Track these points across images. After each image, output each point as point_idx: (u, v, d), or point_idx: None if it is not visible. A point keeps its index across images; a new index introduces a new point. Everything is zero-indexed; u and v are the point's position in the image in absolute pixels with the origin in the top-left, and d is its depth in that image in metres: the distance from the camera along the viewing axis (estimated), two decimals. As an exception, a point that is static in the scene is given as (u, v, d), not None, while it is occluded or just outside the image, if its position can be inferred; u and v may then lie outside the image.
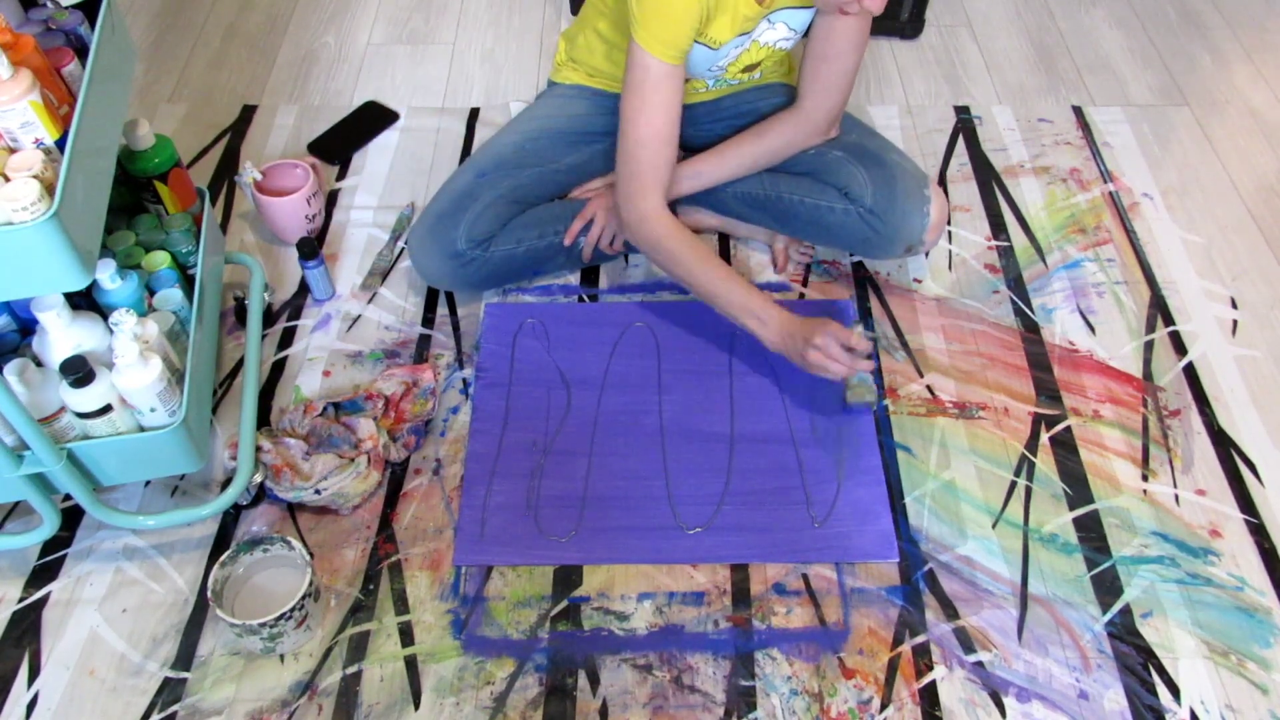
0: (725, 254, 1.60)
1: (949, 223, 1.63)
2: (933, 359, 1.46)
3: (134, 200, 1.36)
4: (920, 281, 1.56)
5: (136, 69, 1.96)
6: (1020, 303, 1.53)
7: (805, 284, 1.56)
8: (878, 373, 1.43)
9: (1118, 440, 1.37)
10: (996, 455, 1.35)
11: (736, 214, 1.56)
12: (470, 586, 1.22)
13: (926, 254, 1.58)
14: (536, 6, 2.15)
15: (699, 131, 1.55)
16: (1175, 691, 1.13)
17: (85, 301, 1.17)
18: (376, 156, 1.78)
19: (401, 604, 1.20)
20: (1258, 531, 1.27)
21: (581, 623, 1.19)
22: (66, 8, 1.16)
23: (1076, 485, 1.32)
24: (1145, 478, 1.33)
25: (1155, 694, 1.13)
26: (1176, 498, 1.31)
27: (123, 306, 1.13)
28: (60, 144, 1.00)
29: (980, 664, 1.15)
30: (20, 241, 0.90)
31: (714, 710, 1.12)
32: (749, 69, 1.41)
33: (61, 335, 1.10)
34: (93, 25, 1.11)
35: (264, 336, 1.47)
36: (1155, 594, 1.21)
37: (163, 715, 1.11)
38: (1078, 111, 1.88)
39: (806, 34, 1.37)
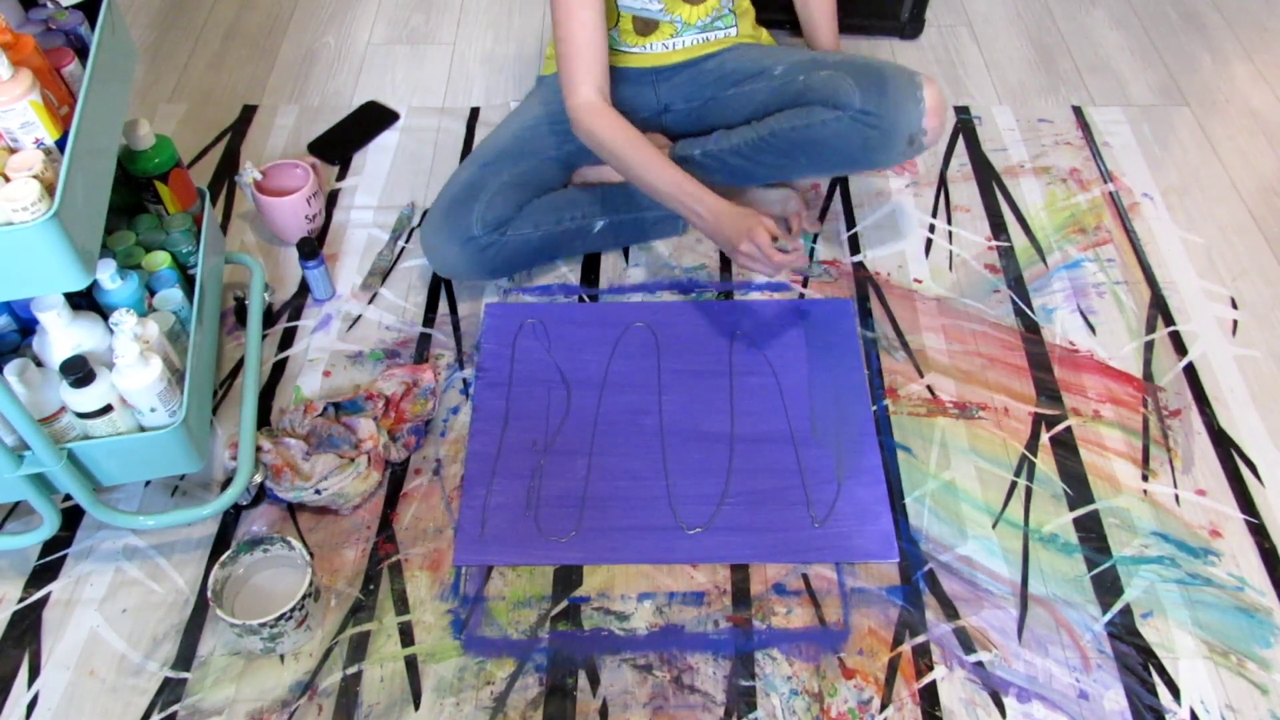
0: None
1: (947, 109, 1.59)
2: (933, 359, 1.46)
3: (134, 200, 1.36)
4: (920, 281, 1.56)
5: (136, 69, 1.96)
6: (1020, 303, 1.53)
7: (805, 284, 1.56)
8: (877, 373, 1.43)
9: (1118, 440, 1.37)
10: (997, 455, 1.35)
11: (738, 174, 1.53)
12: (470, 586, 1.22)
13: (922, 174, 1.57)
14: (536, 6, 2.15)
15: (692, 106, 1.55)
16: (1175, 691, 1.13)
17: (85, 301, 1.17)
18: (376, 156, 1.78)
19: (401, 604, 1.20)
20: (1258, 531, 1.27)
21: (581, 623, 1.19)
22: (66, 8, 1.16)
23: (1077, 485, 1.32)
24: (1145, 478, 1.33)
25: (1155, 694, 1.13)
26: (1177, 498, 1.31)
27: (123, 306, 1.13)
28: (60, 144, 1.00)
29: (980, 664, 1.15)
30: (20, 241, 0.90)
31: (714, 710, 1.12)
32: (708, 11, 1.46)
33: (61, 335, 1.10)
34: (93, 25, 1.11)
35: (264, 337, 1.47)
36: (1155, 594, 1.21)
37: (163, 715, 1.11)
38: (1078, 111, 1.88)
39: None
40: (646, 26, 1.46)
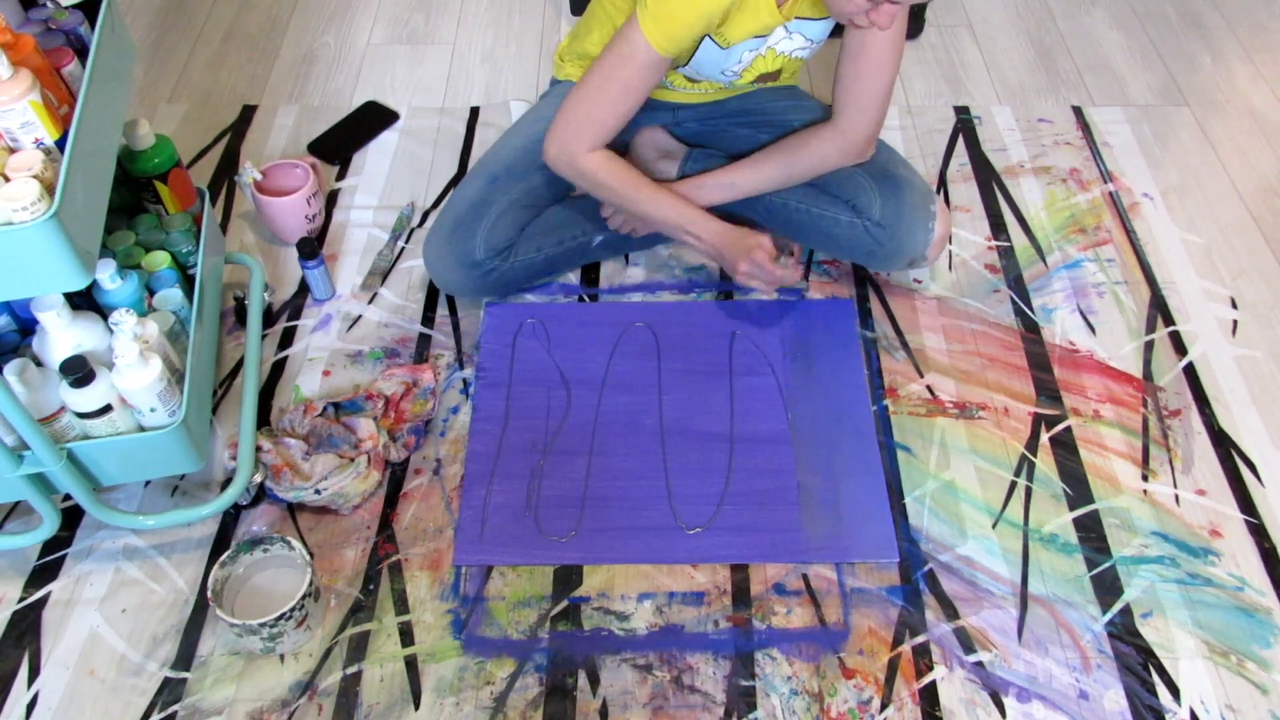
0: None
1: (950, 239, 1.63)
2: (933, 359, 1.46)
3: (134, 200, 1.36)
4: (920, 281, 1.56)
5: (136, 69, 1.96)
6: (1020, 303, 1.53)
7: (801, 297, 1.55)
8: (877, 373, 1.43)
9: (1118, 440, 1.37)
10: (996, 455, 1.35)
11: (740, 216, 1.56)
12: (470, 586, 1.22)
13: (921, 278, 1.56)
14: (536, 6, 2.15)
15: (704, 128, 1.55)
16: (1175, 691, 1.13)
17: (85, 301, 1.17)
18: (376, 156, 1.78)
19: (401, 604, 1.20)
20: (1258, 531, 1.27)
21: (581, 623, 1.19)
22: (66, 8, 1.16)
23: (1076, 485, 1.32)
24: (1145, 478, 1.33)
25: (1155, 694, 1.13)
26: (1176, 498, 1.31)
27: (123, 306, 1.13)
28: (60, 144, 1.00)
29: (980, 664, 1.15)
30: (20, 241, 0.90)
31: (714, 710, 1.12)
32: (765, 78, 1.40)
33: (61, 335, 1.10)
34: (93, 25, 1.11)
35: (264, 336, 1.47)
36: (1155, 594, 1.21)
37: (163, 715, 1.11)
38: (1078, 111, 1.88)
39: (835, 35, 1.36)
40: (699, 79, 1.43)
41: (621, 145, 1.56)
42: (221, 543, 1.26)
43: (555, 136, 1.34)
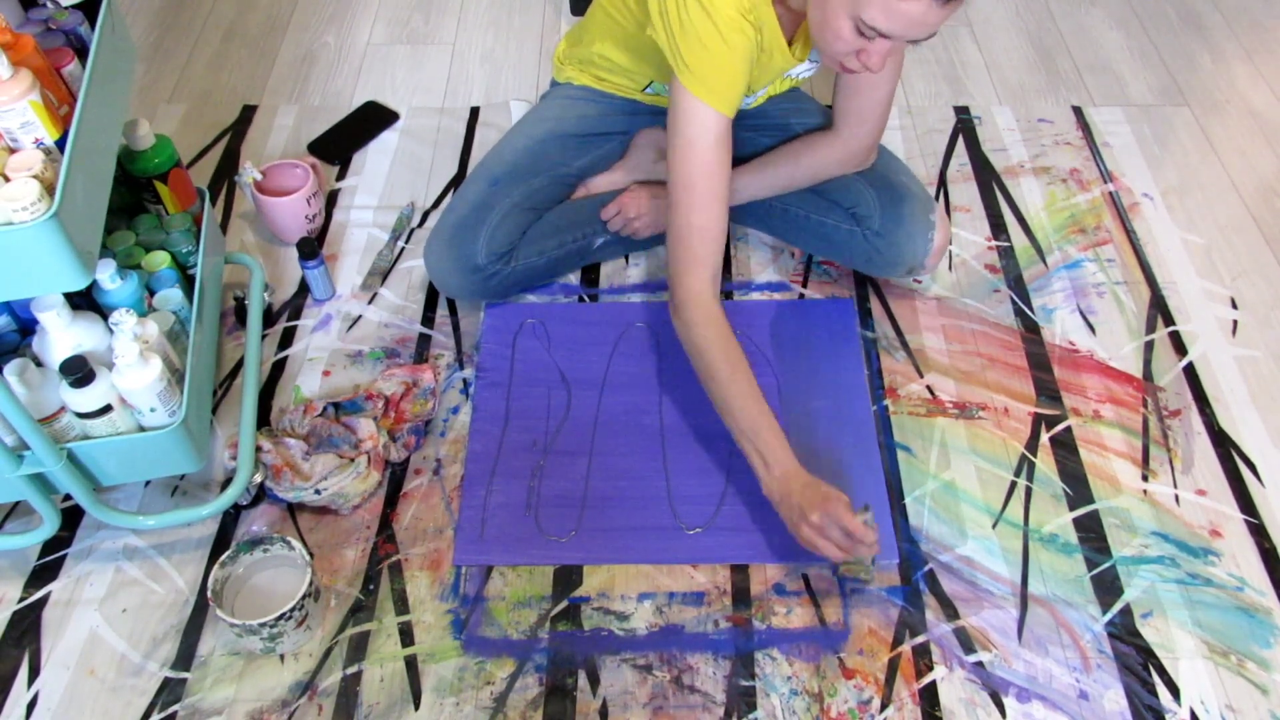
0: (725, 251, 1.60)
1: (950, 244, 1.62)
2: (933, 359, 1.46)
3: (134, 200, 1.36)
4: (920, 282, 1.56)
5: (136, 69, 1.96)
6: (1020, 303, 1.53)
7: (805, 284, 1.56)
8: (877, 373, 1.43)
9: (1118, 440, 1.37)
10: (996, 455, 1.35)
11: (738, 218, 1.56)
12: (470, 586, 1.22)
13: (922, 278, 1.55)
14: (536, 6, 2.15)
15: None
16: (1175, 692, 1.13)
17: (85, 301, 1.17)
18: (376, 156, 1.78)
19: (401, 604, 1.20)
20: (1258, 531, 1.27)
21: (581, 623, 1.19)
22: (66, 8, 1.16)
23: (1076, 485, 1.32)
24: (1145, 478, 1.33)
25: (1155, 694, 1.13)
26: (1176, 498, 1.31)
27: (123, 306, 1.13)
28: (60, 144, 1.00)
29: (980, 664, 1.15)
30: (20, 241, 0.90)
31: (714, 710, 1.12)
32: (776, 98, 1.42)
33: (61, 335, 1.10)
34: (93, 25, 1.11)
35: (264, 336, 1.47)
36: (1155, 594, 1.21)
37: (163, 715, 1.11)
38: (1078, 111, 1.88)
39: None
40: None
41: (621, 148, 1.56)
42: (221, 543, 1.26)
43: (678, 282, 1.22)
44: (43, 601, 1.21)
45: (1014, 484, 1.32)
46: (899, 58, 1.31)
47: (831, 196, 1.44)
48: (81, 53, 1.11)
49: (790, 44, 1.24)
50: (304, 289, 1.55)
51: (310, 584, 1.12)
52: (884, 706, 1.12)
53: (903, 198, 1.40)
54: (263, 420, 1.38)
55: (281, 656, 1.16)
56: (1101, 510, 1.29)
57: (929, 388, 1.42)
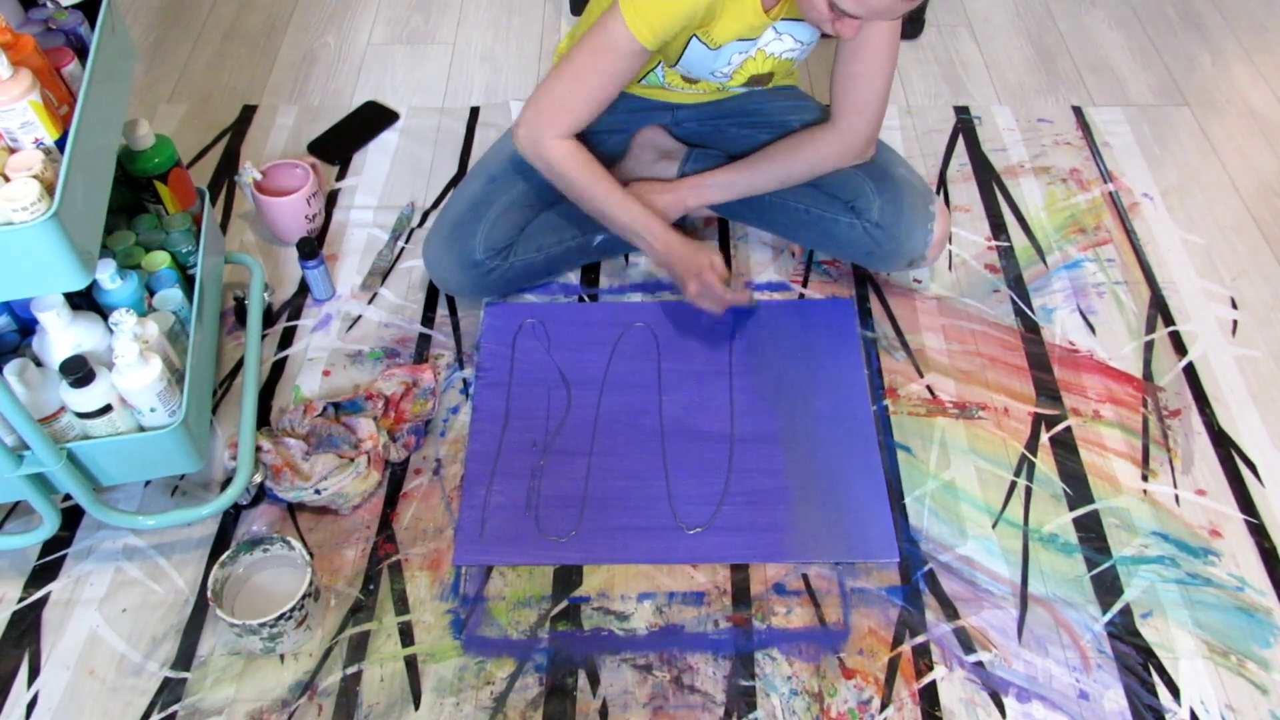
0: (725, 251, 1.60)
1: (950, 238, 1.63)
2: (933, 359, 1.46)
3: (134, 200, 1.36)
4: (920, 281, 1.56)
5: (136, 69, 1.96)
6: (1020, 303, 1.53)
7: (805, 284, 1.56)
8: (877, 373, 1.43)
9: (1118, 440, 1.37)
10: (996, 455, 1.35)
11: (738, 215, 1.56)
12: (470, 586, 1.22)
13: (921, 277, 1.56)
14: (536, 6, 2.15)
15: (704, 129, 1.55)
16: (1175, 691, 1.13)
17: (85, 301, 1.17)
18: (376, 156, 1.78)
19: (401, 604, 1.20)
20: (1258, 531, 1.27)
21: (581, 623, 1.19)
22: (66, 8, 1.16)
23: (1076, 485, 1.32)
24: (1145, 478, 1.33)
25: (1155, 694, 1.13)
26: (1176, 498, 1.31)
27: (123, 306, 1.13)
28: (60, 144, 1.00)
29: (980, 664, 1.15)
30: (20, 241, 0.90)
31: (714, 710, 1.12)
32: (758, 80, 1.39)
33: (61, 335, 1.10)
34: (93, 25, 1.11)
35: (264, 336, 1.47)
36: (1155, 594, 1.21)
37: (163, 715, 1.11)
38: (1078, 111, 1.88)
39: (829, 37, 1.36)
40: (694, 80, 1.42)
41: (621, 147, 1.56)
42: (221, 543, 1.26)
43: (526, 119, 1.32)
44: (43, 601, 1.21)
45: (1014, 484, 1.32)
46: (894, 48, 1.31)
47: (830, 190, 1.44)
48: (81, 53, 1.11)
49: (768, 8, 1.24)
50: (304, 289, 1.55)
51: (310, 584, 1.12)
52: (884, 706, 1.12)
53: (901, 190, 1.41)
54: (263, 420, 1.38)
55: (281, 656, 1.16)
56: (1101, 510, 1.29)
57: (929, 387, 1.42)
